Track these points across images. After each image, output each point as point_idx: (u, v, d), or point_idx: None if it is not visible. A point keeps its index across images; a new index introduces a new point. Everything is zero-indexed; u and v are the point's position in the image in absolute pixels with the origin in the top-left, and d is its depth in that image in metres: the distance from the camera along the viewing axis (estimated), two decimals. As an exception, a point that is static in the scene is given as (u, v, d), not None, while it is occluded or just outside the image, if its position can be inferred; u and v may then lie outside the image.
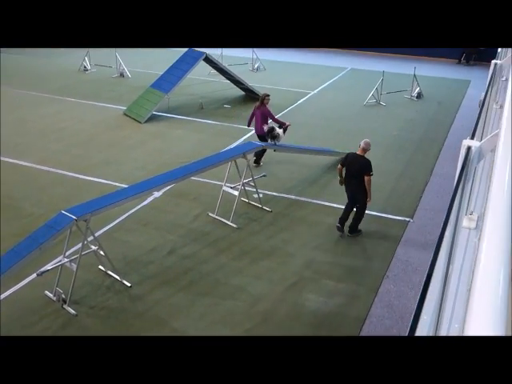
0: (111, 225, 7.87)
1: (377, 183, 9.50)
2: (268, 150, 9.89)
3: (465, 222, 2.89)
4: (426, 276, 1.18)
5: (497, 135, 1.65)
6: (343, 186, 7.80)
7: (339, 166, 7.66)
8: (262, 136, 9.70)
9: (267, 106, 9.93)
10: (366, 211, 7.95)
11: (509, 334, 0.99)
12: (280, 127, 9.28)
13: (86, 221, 6.12)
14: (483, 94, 3.46)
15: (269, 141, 9.16)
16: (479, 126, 2.76)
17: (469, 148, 1.79)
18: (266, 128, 9.18)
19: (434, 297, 1.76)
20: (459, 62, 20.38)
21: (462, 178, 1.69)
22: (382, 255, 7.27)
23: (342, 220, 7.72)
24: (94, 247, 6.43)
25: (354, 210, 7.72)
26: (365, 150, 7.54)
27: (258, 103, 10.02)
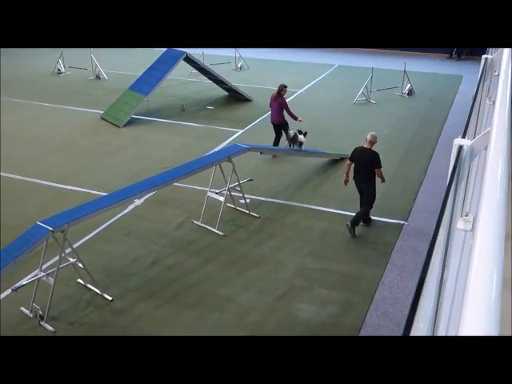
0: (90, 235, 7.83)
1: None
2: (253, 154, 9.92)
3: (460, 224, 2.92)
4: (417, 283, 1.20)
5: (489, 133, 1.68)
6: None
7: (347, 161, 8.00)
8: (277, 126, 10.77)
9: (284, 96, 10.76)
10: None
11: (503, 334, 1.02)
12: (300, 132, 9.89)
13: (63, 232, 6.07)
14: (475, 89, 3.53)
15: (292, 146, 9.94)
16: (471, 123, 2.80)
17: (461, 147, 1.82)
18: (291, 133, 9.89)
19: (429, 303, 1.78)
20: (450, 57, 20.62)
21: (455, 179, 1.72)
22: (377, 260, 7.31)
23: (366, 220, 8.09)
24: (72, 259, 6.39)
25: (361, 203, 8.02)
26: (372, 142, 7.83)
27: (274, 94, 10.78)
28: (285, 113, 10.69)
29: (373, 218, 8.28)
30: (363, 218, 7.99)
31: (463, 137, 2.04)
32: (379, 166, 7.74)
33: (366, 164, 7.75)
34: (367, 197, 7.91)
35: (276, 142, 10.85)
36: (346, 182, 8.07)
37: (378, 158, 7.75)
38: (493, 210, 1.26)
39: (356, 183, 7.98)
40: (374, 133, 7.96)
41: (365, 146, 7.86)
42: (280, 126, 10.74)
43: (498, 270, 1.09)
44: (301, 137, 9.90)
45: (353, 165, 7.96)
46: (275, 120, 10.81)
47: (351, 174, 8.00)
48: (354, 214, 8.00)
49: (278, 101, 10.67)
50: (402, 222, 8.26)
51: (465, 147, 1.84)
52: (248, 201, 8.70)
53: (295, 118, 10.69)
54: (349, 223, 7.84)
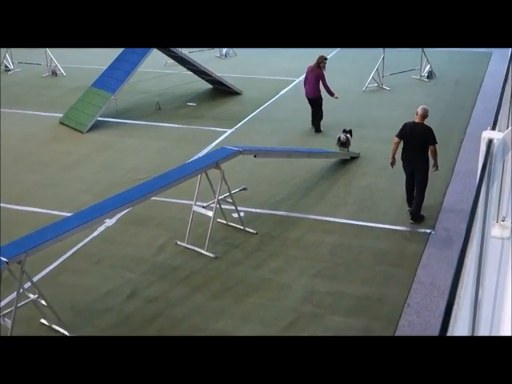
0: (53, 265, 7.82)
1: (386, 188, 9.63)
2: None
3: (496, 231, 2.97)
4: (445, 306, 1.24)
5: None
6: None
7: (396, 139, 8.58)
8: (313, 100, 12.10)
9: (323, 70, 12.06)
10: (374, 224, 8.30)
11: None
12: (345, 131, 10.92)
13: (20, 263, 6.07)
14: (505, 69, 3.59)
15: (339, 149, 10.83)
16: (503, 111, 2.83)
17: (490, 141, 1.86)
18: (342, 137, 10.81)
19: (463, 329, 1.80)
20: (477, 30, 20.83)
21: (485, 179, 1.75)
22: (400, 279, 7.34)
23: (411, 200, 8.64)
24: (32, 296, 6.38)
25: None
26: (424, 116, 8.51)
27: (313, 65, 12.10)
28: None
29: (393, 227, 8.34)
30: (422, 203, 8.50)
31: (493, 128, 2.08)
32: (434, 141, 8.30)
33: (418, 140, 8.33)
34: (421, 180, 8.44)
35: (314, 118, 12.21)
36: (393, 163, 8.69)
37: (433, 132, 8.33)
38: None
39: (405, 164, 8.54)
40: (425, 106, 8.61)
41: (416, 120, 8.50)
42: (315, 100, 12.10)
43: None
44: (348, 136, 10.87)
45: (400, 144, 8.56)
46: (310, 94, 12.12)
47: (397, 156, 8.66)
48: (369, 224, 8.08)
49: (316, 73, 11.96)
50: (428, 231, 8.30)
51: (495, 141, 1.88)
52: (242, 214, 8.72)
53: (331, 94, 12.15)
54: (412, 221, 8.48)
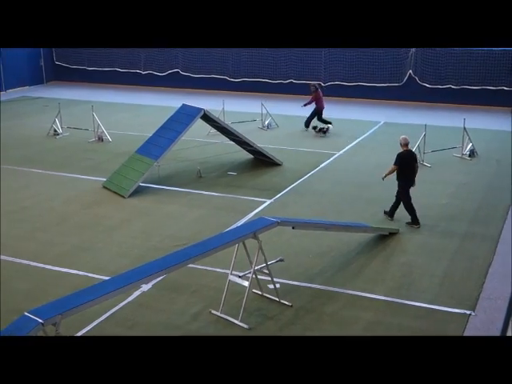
0: (87, 329, 7.83)
1: (425, 266, 9.50)
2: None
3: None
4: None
5: None
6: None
7: (394, 167, 11.15)
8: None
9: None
10: (413, 303, 8.28)
11: None
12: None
13: (55, 324, 6.12)
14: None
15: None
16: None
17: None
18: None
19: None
20: (517, 111, 20.76)
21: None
22: (438, 360, 7.13)
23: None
24: (65, 359, 6.39)
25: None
26: (407, 144, 11.27)
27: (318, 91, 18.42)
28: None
29: (430, 306, 8.21)
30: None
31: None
32: (417, 162, 11.39)
33: (412, 163, 11.16)
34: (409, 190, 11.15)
35: (310, 118, 18.37)
36: (384, 178, 11.36)
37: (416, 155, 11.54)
38: None
39: (405, 183, 11.06)
40: (403, 136, 11.40)
41: (404, 149, 11.19)
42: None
43: None
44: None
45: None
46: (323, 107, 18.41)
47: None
48: (407, 303, 8.08)
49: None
50: (469, 312, 8.10)
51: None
52: (278, 286, 8.68)
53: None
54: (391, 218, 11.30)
